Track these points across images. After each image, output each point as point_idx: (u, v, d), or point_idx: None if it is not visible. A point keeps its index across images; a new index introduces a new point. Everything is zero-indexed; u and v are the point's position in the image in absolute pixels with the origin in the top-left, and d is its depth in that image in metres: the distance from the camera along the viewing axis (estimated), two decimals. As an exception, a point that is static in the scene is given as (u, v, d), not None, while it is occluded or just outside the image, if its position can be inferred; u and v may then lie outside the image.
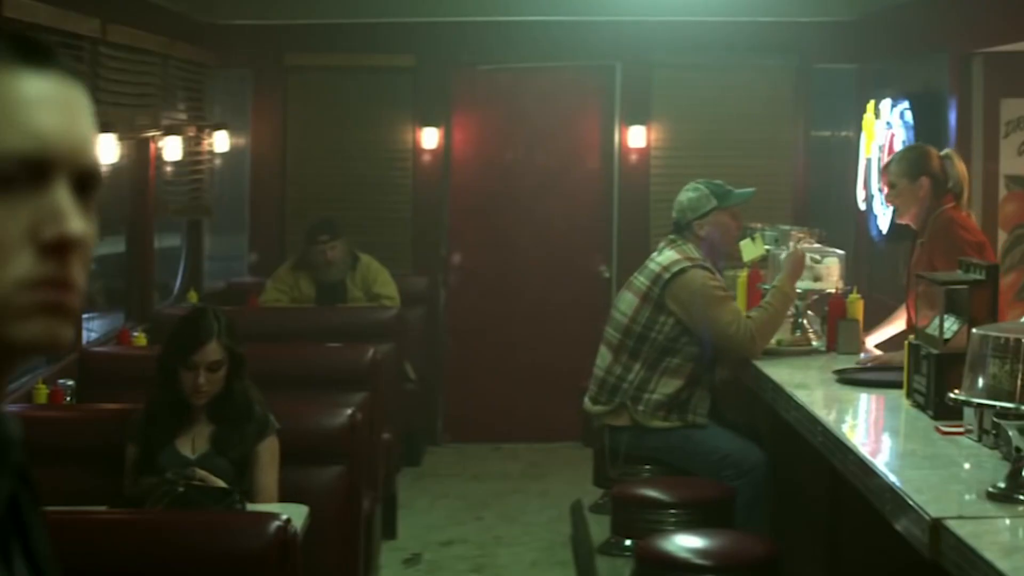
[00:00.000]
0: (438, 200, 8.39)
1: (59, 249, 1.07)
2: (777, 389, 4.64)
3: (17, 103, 1.08)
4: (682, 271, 5.11)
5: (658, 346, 5.14)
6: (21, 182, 1.07)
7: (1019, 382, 3.01)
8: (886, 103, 6.03)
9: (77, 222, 1.08)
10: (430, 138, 8.29)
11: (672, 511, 4.79)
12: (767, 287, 5.32)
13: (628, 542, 4.95)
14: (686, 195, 5.27)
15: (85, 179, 1.11)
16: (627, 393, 5.17)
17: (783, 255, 5.39)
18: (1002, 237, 5.81)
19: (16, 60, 1.10)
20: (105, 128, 5.67)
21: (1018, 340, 3.03)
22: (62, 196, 1.08)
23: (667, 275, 5.13)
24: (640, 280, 5.25)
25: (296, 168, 8.30)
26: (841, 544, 4.42)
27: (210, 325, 4.10)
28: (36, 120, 1.08)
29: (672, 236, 5.29)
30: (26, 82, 1.09)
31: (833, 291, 5.39)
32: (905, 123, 5.81)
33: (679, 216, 5.25)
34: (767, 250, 5.56)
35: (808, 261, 5.40)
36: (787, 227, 5.80)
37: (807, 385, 4.61)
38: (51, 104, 1.10)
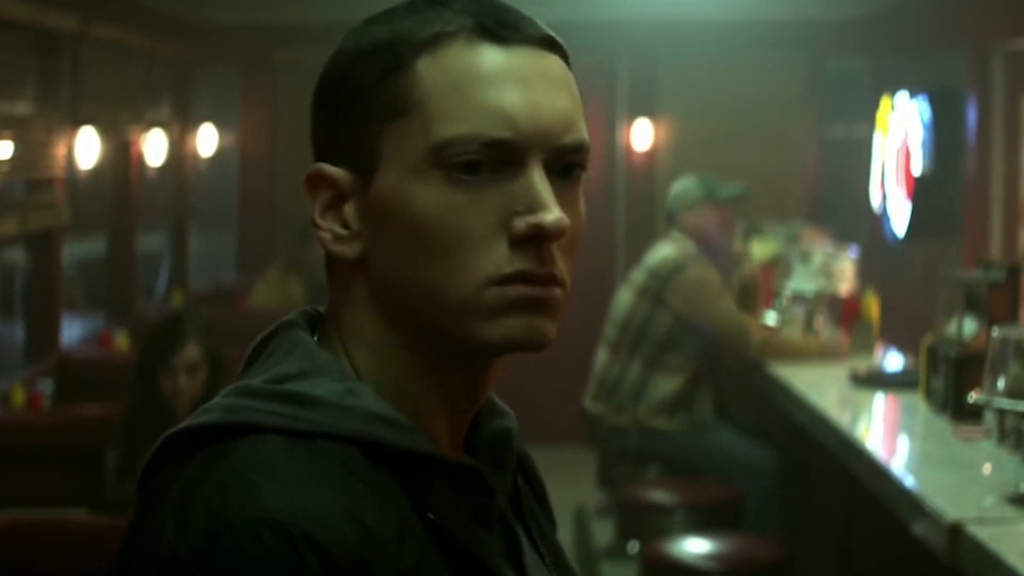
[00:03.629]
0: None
1: (534, 240, 1.00)
2: (788, 390, 4.56)
3: (478, 82, 1.01)
4: (679, 265, 5.06)
5: (657, 342, 5.06)
6: (489, 168, 1.01)
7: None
8: (903, 95, 5.93)
9: (553, 211, 1.00)
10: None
11: (680, 514, 4.71)
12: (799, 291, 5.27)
13: (634, 545, 4.87)
14: (675, 185, 5.29)
15: (565, 160, 1.03)
16: (627, 391, 5.10)
17: (795, 255, 5.32)
18: (1023, 237, 5.71)
19: (476, 34, 1.03)
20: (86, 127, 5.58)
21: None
22: (536, 181, 1.01)
23: (664, 270, 5.08)
24: (637, 276, 5.19)
25: (286, 167, 8.19)
26: (854, 548, 4.33)
27: (187, 325, 3.94)
28: (499, 99, 1.01)
29: (670, 228, 5.26)
30: (487, 57, 1.02)
31: (845, 293, 5.32)
32: (923, 122, 5.71)
33: (670, 206, 5.27)
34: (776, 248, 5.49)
35: (820, 261, 5.34)
36: (798, 225, 5.72)
37: (820, 386, 4.53)
38: (516, 79, 1.02)
